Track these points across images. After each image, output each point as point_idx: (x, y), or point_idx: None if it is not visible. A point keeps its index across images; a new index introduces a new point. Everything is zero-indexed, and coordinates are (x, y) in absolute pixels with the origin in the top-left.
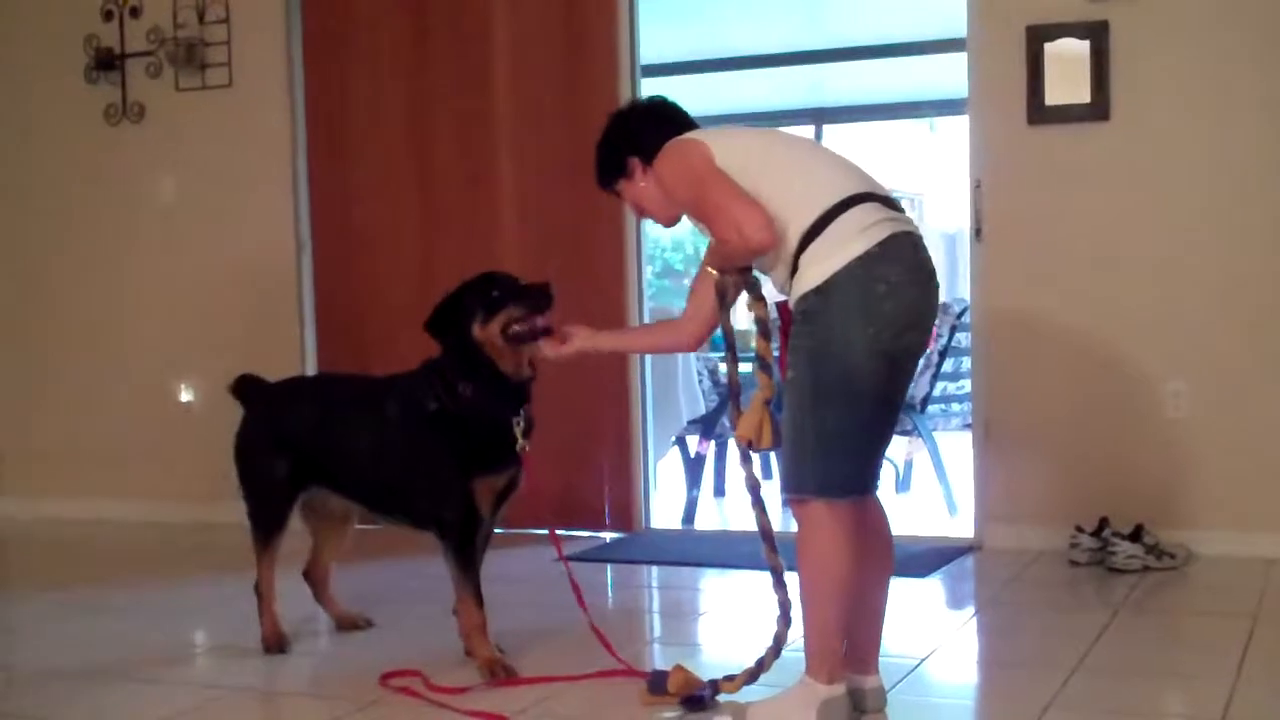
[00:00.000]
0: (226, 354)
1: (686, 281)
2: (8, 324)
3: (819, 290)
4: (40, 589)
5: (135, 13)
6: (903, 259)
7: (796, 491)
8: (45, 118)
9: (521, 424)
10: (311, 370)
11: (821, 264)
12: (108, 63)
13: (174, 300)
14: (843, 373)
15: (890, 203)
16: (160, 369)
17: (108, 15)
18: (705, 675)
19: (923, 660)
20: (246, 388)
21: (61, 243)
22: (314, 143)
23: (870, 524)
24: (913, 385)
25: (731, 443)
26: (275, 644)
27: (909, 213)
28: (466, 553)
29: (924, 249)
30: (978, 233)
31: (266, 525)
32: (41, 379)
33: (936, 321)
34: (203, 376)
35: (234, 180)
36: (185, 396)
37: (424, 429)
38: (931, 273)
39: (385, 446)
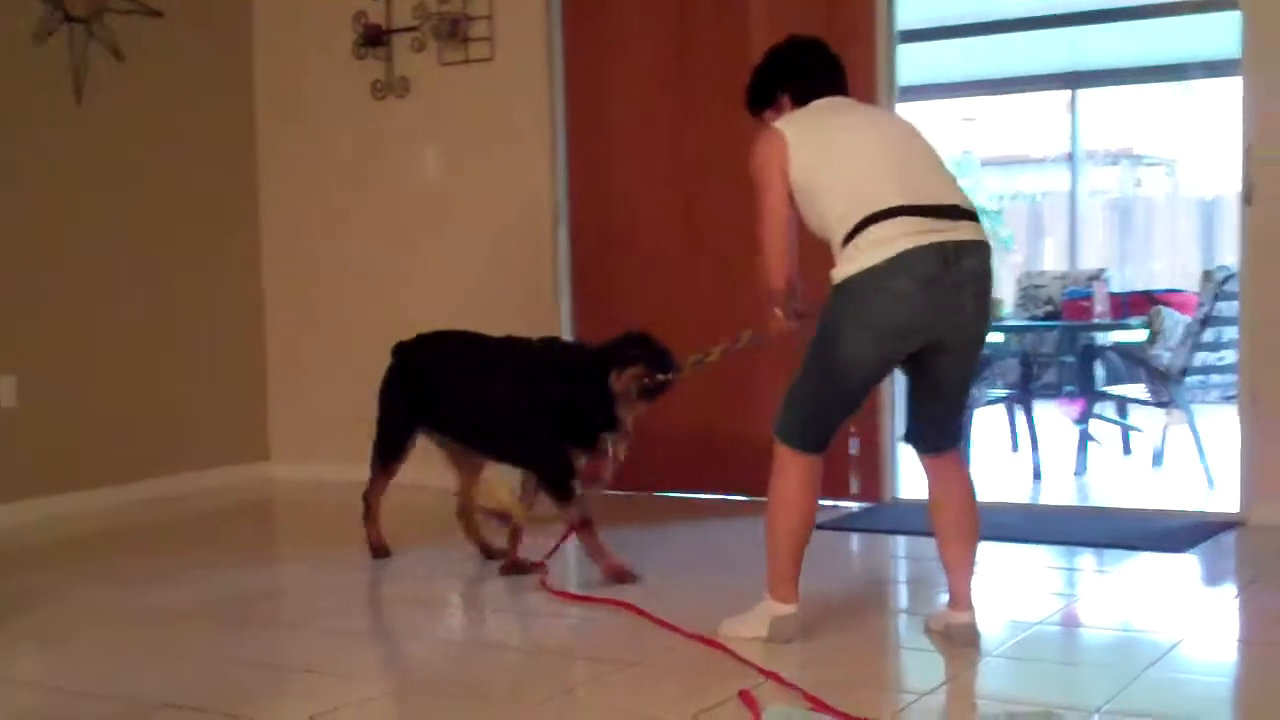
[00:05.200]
0: (487, 323)
1: None
2: (284, 293)
3: (836, 288)
4: (308, 549)
5: None
6: (914, 272)
7: (776, 433)
8: (316, 94)
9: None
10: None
11: (842, 267)
12: (375, 39)
13: (436, 270)
14: (833, 361)
15: (929, 210)
16: None
17: None
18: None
19: (1182, 638)
20: None
21: (331, 215)
22: (573, 116)
23: (947, 478)
24: (1172, 355)
25: (980, 413)
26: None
27: (1152, 172)
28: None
29: (954, 255)
30: (1247, 197)
31: None
32: (310, 347)
33: (1005, 310)
34: None
35: (495, 152)
36: None
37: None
38: (958, 278)
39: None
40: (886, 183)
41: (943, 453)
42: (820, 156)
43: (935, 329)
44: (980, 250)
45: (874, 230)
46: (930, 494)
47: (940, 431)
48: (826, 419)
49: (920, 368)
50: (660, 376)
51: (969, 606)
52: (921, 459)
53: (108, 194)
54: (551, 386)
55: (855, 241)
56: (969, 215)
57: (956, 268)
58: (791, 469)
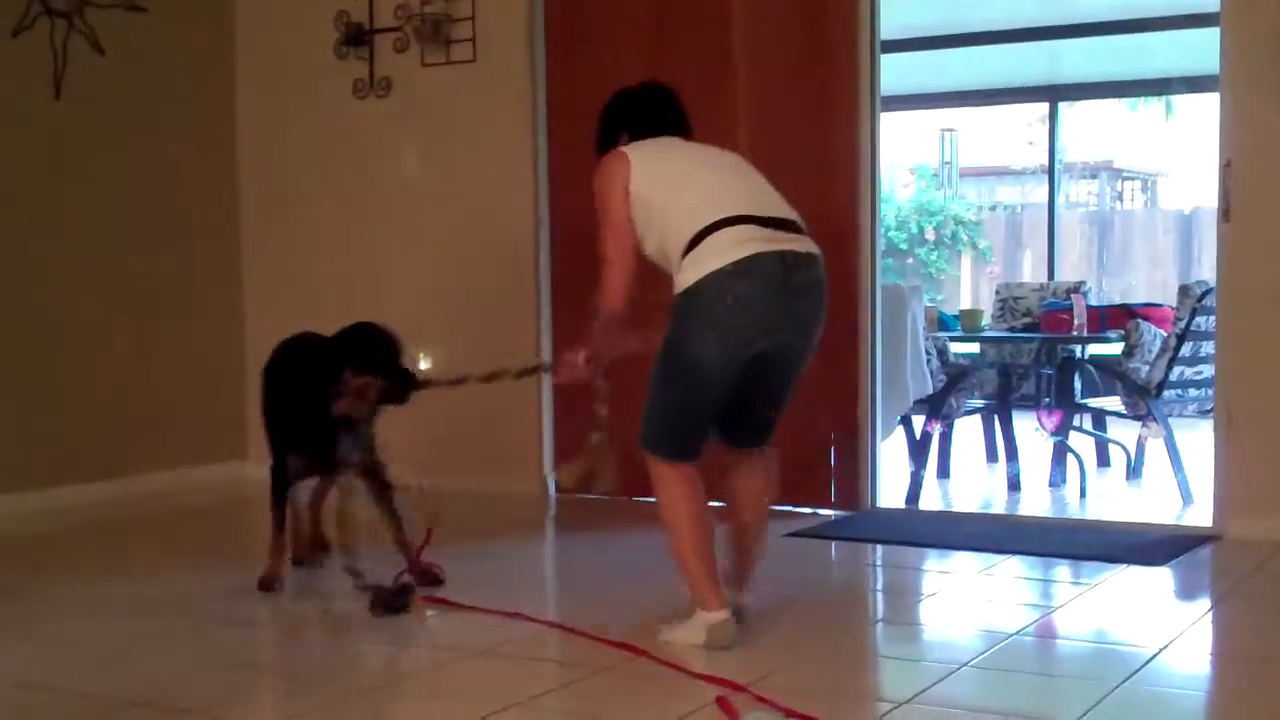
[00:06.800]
0: (464, 326)
1: (910, 261)
2: (263, 292)
3: (685, 293)
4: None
5: None
6: (759, 276)
7: (644, 447)
8: (296, 92)
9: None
10: (547, 344)
11: (687, 274)
12: (357, 38)
13: (414, 272)
14: (688, 364)
15: (770, 222)
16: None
17: None
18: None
19: (1158, 651)
20: None
21: (311, 212)
22: (554, 119)
23: (748, 474)
24: (1148, 370)
25: (958, 424)
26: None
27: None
28: None
29: (794, 264)
30: (1225, 213)
31: None
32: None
33: (809, 324)
34: (440, 348)
35: (476, 155)
36: (423, 366)
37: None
38: (798, 287)
39: None
40: (729, 197)
41: (750, 451)
42: (662, 171)
43: (772, 335)
44: (816, 264)
45: (719, 236)
46: (730, 486)
47: (747, 434)
48: (688, 426)
49: (746, 374)
50: (397, 390)
51: (748, 589)
52: (727, 453)
53: (86, 189)
54: (285, 382)
55: (698, 249)
56: (803, 231)
57: (796, 278)
58: (668, 479)
